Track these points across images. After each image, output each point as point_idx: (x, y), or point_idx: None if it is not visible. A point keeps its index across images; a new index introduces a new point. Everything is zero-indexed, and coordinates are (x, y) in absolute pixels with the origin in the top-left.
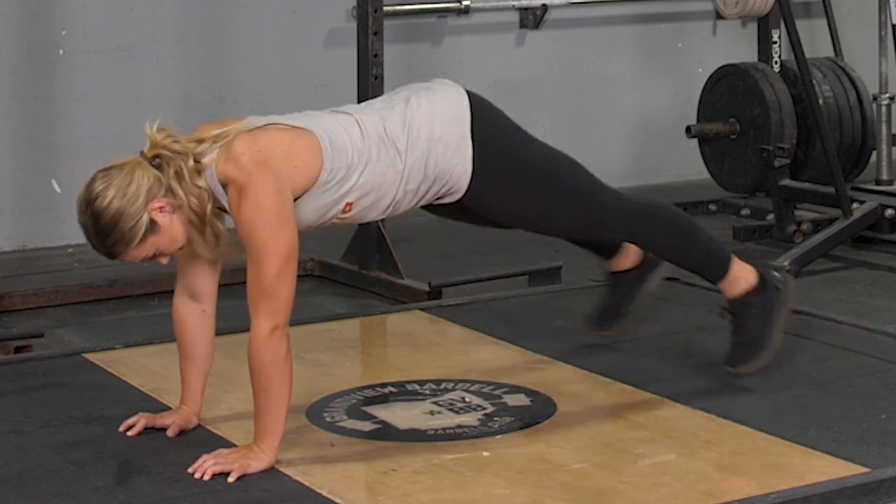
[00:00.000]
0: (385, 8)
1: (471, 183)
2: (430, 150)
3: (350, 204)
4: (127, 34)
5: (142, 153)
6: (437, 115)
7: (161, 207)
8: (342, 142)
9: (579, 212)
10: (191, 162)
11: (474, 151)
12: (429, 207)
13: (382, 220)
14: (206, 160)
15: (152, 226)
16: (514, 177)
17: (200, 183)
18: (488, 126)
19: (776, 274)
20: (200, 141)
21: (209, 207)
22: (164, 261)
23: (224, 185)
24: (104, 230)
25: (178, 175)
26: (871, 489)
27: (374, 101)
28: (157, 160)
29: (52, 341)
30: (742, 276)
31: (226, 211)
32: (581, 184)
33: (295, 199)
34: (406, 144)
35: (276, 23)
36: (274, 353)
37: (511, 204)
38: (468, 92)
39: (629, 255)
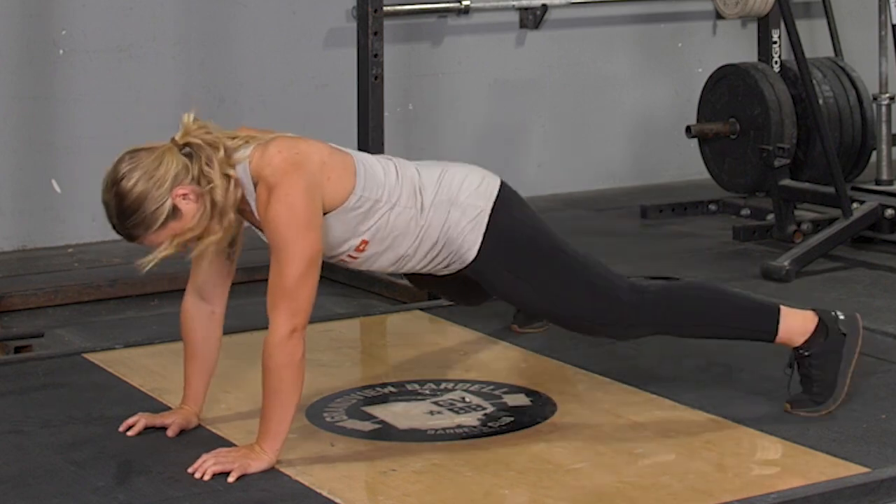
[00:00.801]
0: (385, 8)
1: (476, 256)
2: (451, 214)
3: (366, 242)
4: (127, 34)
5: (173, 140)
6: (466, 184)
7: (185, 194)
8: (377, 175)
9: (590, 303)
10: (221, 153)
11: (488, 227)
12: (428, 282)
13: None
14: (238, 155)
15: (174, 212)
16: (519, 261)
17: (230, 173)
18: (510, 209)
19: (842, 316)
20: (234, 137)
21: (235, 199)
22: (178, 243)
23: (255, 184)
24: (126, 211)
25: (209, 162)
26: (871, 489)
27: (413, 161)
28: (186, 148)
29: (52, 341)
30: (797, 329)
31: (246, 216)
32: (595, 279)
33: None
34: (431, 202)
35: (276, 23)
36: (290, 356)
37: (515, 284)
38: (502, 180)
39: None
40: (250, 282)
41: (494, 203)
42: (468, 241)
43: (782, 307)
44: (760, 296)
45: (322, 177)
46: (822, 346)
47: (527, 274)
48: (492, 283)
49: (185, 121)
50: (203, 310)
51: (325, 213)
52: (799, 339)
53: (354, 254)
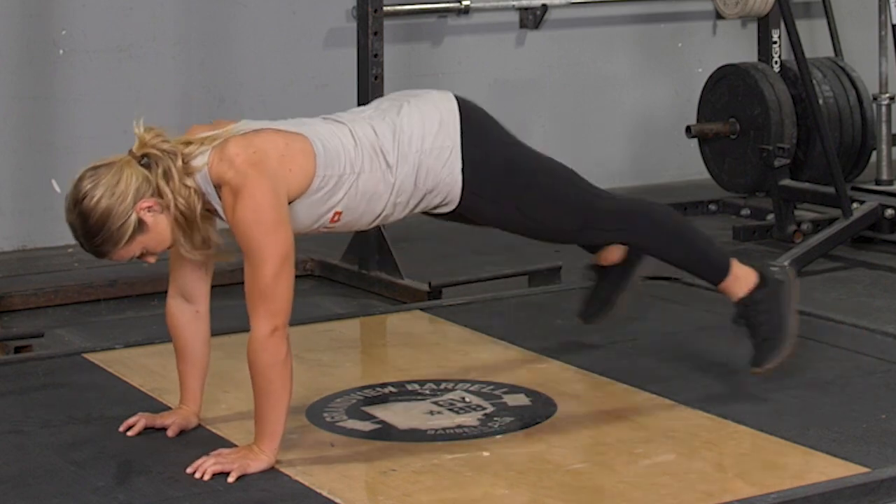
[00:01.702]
0: (385, 8)
1: (462, 194)
2: (421, 163)
3: (339, 213)
4: (127, 34)
5: (130, 152)
6: (427, 126)
7: (150, 207)
8: (336, 150)
9: (571, 217)
10: (179, 162)
11: (464, 162)
12: (428, 214)
13: None
14: (197, 161)
15: (140, 225)
16: (505, 186)
17: (189, 183)
18: (478, 135)
19: (776, 268)
20: (188, 143)
21: (198, 208)
22: (152, 260)
23: (217, 188)
24: (92, 229)
25: (167, 174)
26: (871, 489)
27: (365, 108)
28: (145, 159)
29: (52, 341)
30: (743, 277)
31: (216, 214)
32: (572, 188)
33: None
34: (396, 157)
35: (276, 23)
36: (274, 355)
37: (503, 211)
38: (458, 99)
39: (616, 249)
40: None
41: (461, 136)
42: (448, 181)
43: (732, 258)
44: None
45: (283, 169)
46: (764, 293)
47: (512, 197)
48: (482, 213)
49: (137, 132)
50: (187, 310)
51: (291, 202)
52: (741, 290)
53: (330, 225)
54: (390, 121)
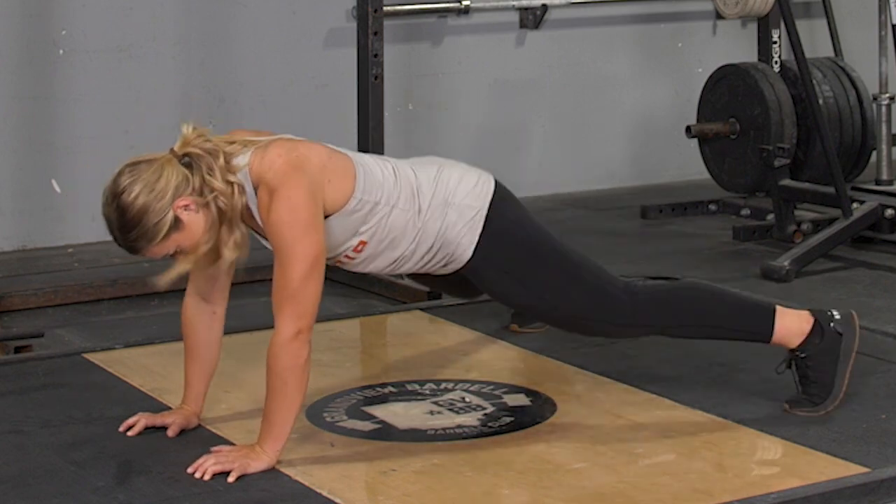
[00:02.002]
0: (385, 8)
1: (472, 257)
2: (447, 215)
3: (364, 243)
4: (127, 34)
5: (172, 150)
6: (462, 186)
7: (187, 205)
8: (376, 177)
9: (586, 305)
10: (221, 160)
11: (484, 228)
12: (426, 278)
13: None
14: (238, 161)
15: (177, 223)
16: (515, 263)
17: (232, 179)
18: (506, 210)
19: (837, 315)
20: (231, 142)
21: (240, 204)
22: (185, 263)
23: (256, 188)
24: (128, 224)
25: (210, 171)
26: (871, 489)
27: (408, 160)
28: (186, 159)
29: (52, 341)
30: (793, 330)
31: (249, 223)
32: (587, 280)
33: None
34: (429, 204)
35: (276, 23)
36: (294, 358)
37: (504, 285)
38: (496, 179)
39: None
40: (251, 282)
41: (490, 204)
42: (464, 242)
43: (778, 307)
44: (757, 296)
45: (323, 179)
46: (819, 347)
47: (522, 274)
48: (487, 282)
49: (184, 132)
50: (204, 310)
51: (326, 217)
52: (795, 341)
53: (352, 254)
54: (433, 170)
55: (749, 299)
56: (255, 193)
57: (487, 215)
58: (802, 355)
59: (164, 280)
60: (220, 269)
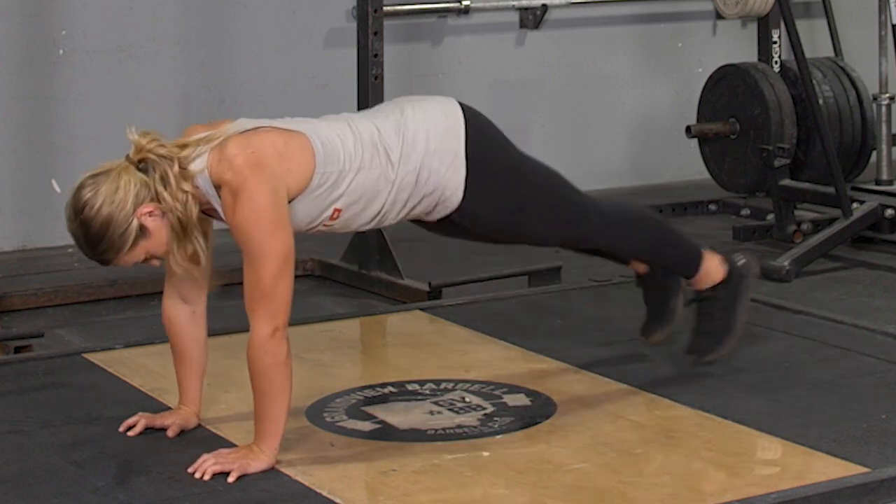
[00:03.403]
0: (385, 8)
1: (462, 200)
2: (424, 163)
3: (338, 210)
4: (127, 34)
5: (127, 157)
6: (432, 127)
7: (150, 212)
8: (334, 146)
9: (563, 225)
10: (176, 167)
11: (468, 168)
12: (416, 222)
13: None
14: (196, 165)
15: (142, 231)
16: (505, 194)
17: (186, 188)
18: (482, 142)
19: (742, 260)
20: (185, 145)
21: (195, 214)
22: (157, 263)
23: (217, 188)
24: (95, 238)
25: (164, 180)
26: (871, 489)
27: (368, 110)
28: (142, 164)
29: (52, 341)
30: (712, 271)
31: (216, 216)
32: (565, 198)
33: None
34: (399, 154)
35: (276, 23)
36: (274, 356)
37: (499, 220)
38: (462, 105)
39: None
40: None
41: (466, 141)
42: (450, 185)
43: (704, 251)
44: (690, 236)
45: (282, 168)
46: (727, 288)
47: (512, 205)
48: (479, 219)
49: (132, 137)
50: (184, 311)
51: (290, 201)
52: (708, 282)
53: (329, 222)
54: (394, 119)
55: (687, 237)
56: (218, 194)
57: (466, 154)
58: (712, 296)
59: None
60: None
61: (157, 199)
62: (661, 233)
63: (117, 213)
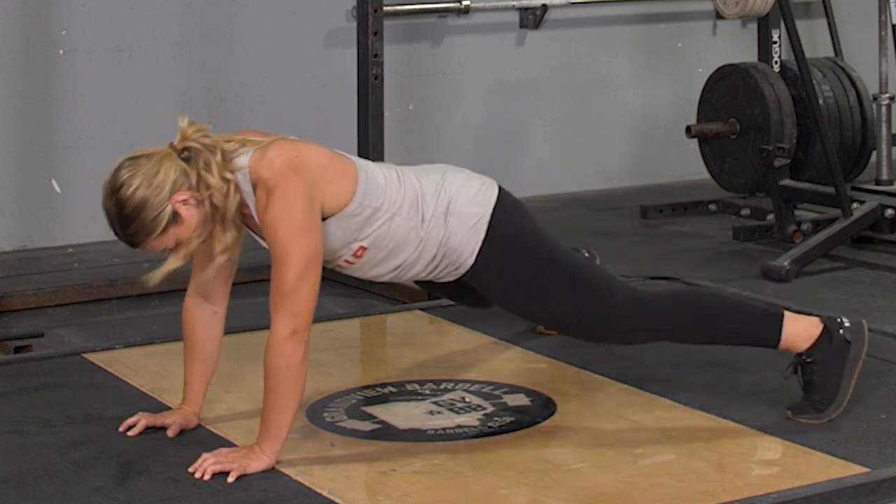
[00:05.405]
0: (385, 8)
1: (475, 262)
2: (448, 223)
3: (363, 248)
4: (127, 34)
5: (171, 145)
6: (464, 191)
7: (185, 200)
8: (378, 184)
9: (591, 312)
10: (219, 156)
11: (487, 234)
12: (429, 286)
13: None
14: (238, 160)
15: (175, 217)
16: (522, 267)
17: (228, 176)
18: (509, 214)
19: (847, 323)
20: (230, 140)
21: (234, 204)
22: (183, 255)
23: (254, 187)
24: (127, 218)
25: (207, 167)
26: (871, 489)
27: (413, 167)
28: (185, 153)
29: (52, 341)
30: (801, 335)
31: (249, 217)
32: (590, 283)
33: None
34: (432, 213)
35: (276, 23)
36: (289, 357)
37: (514, 292)
38: (500, 186)
39: None
40: (252, 282)
41: (493, 210)
42: (467, 249)
43: (786, 312)
44: (763, 301)
45: (322, 180)
46: (825, 353)
47: (525, 281)
48: (490, 289)
49: (181, 125)
50: (205, 310)
51: (324, 219)
52: (803, 346)
53: (351, 259)
54: (435, 181)
55: (756, 304)
56: (254, 193)
57: (490, 222)
58: (809, 360)
59: (154, 278)
60: (220, 268)
61: (196, 186)
62: (721, 306)
63: (153, 197)
